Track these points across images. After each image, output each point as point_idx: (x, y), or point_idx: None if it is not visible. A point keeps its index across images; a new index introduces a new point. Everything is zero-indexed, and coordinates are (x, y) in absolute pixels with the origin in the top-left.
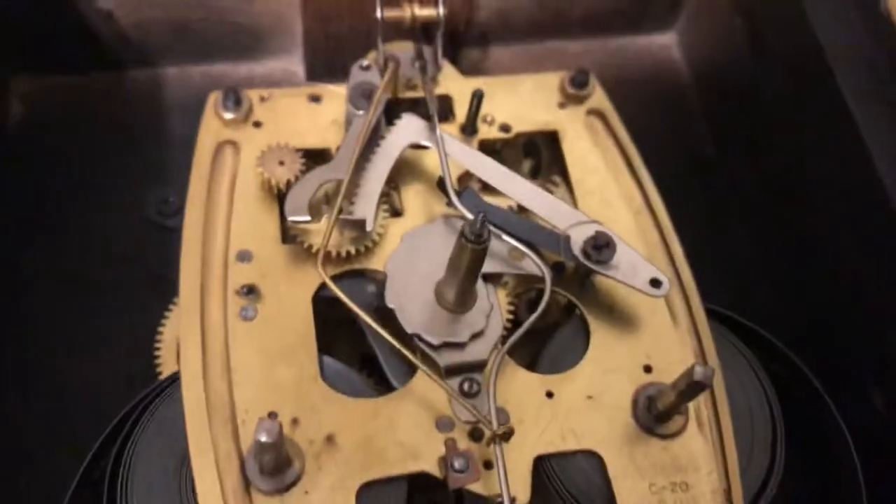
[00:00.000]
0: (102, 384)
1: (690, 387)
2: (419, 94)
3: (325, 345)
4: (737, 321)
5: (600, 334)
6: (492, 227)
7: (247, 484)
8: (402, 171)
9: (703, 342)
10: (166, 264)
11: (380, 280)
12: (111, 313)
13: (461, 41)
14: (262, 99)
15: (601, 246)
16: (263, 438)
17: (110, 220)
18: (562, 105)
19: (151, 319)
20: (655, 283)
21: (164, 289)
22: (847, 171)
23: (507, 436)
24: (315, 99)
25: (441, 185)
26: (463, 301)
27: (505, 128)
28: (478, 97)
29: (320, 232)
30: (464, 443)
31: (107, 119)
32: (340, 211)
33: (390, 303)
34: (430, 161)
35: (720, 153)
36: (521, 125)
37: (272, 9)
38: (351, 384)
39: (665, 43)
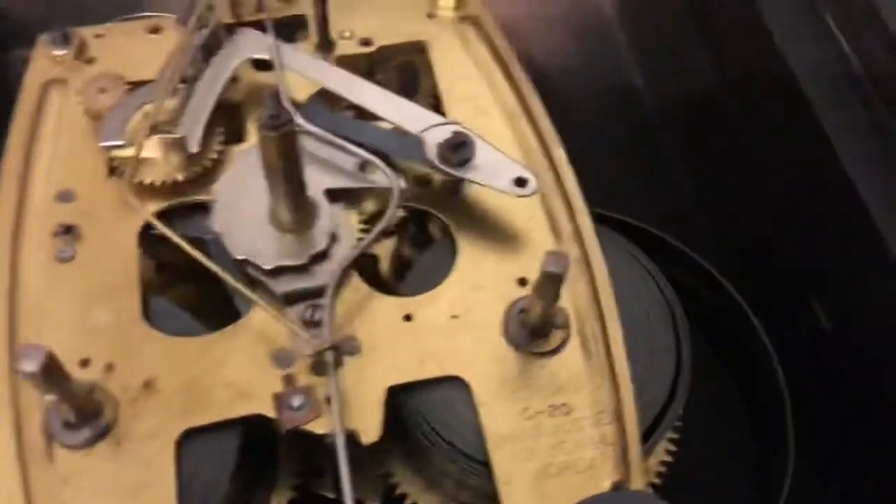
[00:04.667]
0: None
1: (545, 279)
2: (272, 15)
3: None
4: (635, 227)
5: (469, 250)
6: (335, 138)
7: (50, 439)
8: (249, 96)
9: (588, 249)
10: None
11: None
12: None
13: None
14: (98, 36)
15: (457, 146)
16: (27, 368)
17: None
18: (430, 15)
19: None
20: (521, 182)
21: None
22: (769, 85)
23: (339, 350)
24: (154, 31)
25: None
26: (296, 216)
27: (366, 42)
28: (320, 1)
29: (147, 162)
30: (306, 379)
31: None
32: (153, 130)
33: (216, 227)
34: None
35: (648, 82)
36: (384, 38)
37: None
38: (181, 324)
39: None
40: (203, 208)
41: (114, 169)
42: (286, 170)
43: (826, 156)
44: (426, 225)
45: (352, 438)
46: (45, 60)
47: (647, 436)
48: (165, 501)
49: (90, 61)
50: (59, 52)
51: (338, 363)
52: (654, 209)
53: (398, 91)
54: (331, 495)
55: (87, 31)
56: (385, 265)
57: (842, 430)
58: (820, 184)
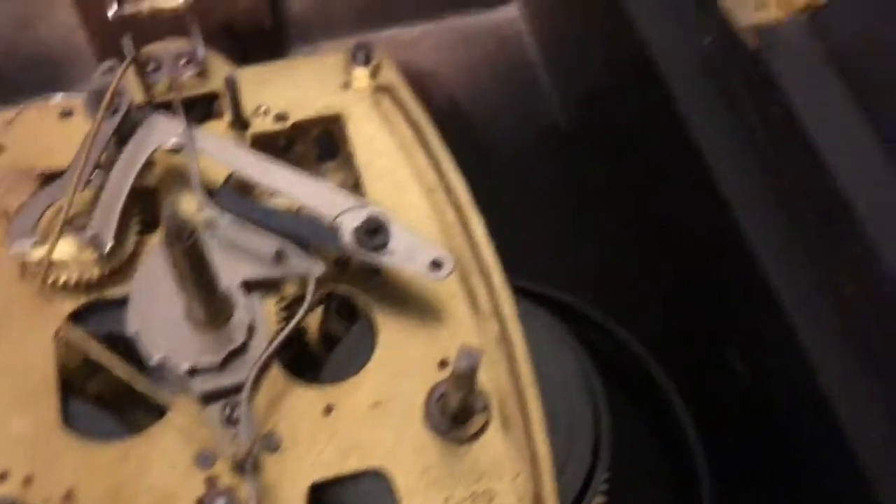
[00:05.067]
0: None
1: (458, 376)
2: (186, 94)
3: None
4: (554, 299)
5: (390, 331)
6: (250, 227)
7: None
8: (165, 179)
9: (508, 325)
10: None
11: None
12: None
13: (281, 39)
14: (8, 122)
15: (373, 230)
16: None
17: None
18: (346, 85)
19: None
20: (437, 264)
21: None
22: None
23: (256, 453)
24: (67, 113)
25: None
26: (211, 315)
27: (281, 117)
28: (230, 85)
29: (61, 262)
30: (229, 479)
31: None
32: (63, 230)
33: (131, 328)
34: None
35: (574, 126)
36: (299, 113)
37: (58, 33)
38: (103, 427)
39: (508, 17)
40: (116, 304)
41: (26, 267)
42: (196, 277)
43: (723, 216)
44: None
45: None
46: None
47: None
48: None
49: None
50: None
51: (256, 466)
52: (579, 256)
53: (318, 159)
54: None
55: None
56: (312, 338)
57: (762, 477)
58: (720, 246)
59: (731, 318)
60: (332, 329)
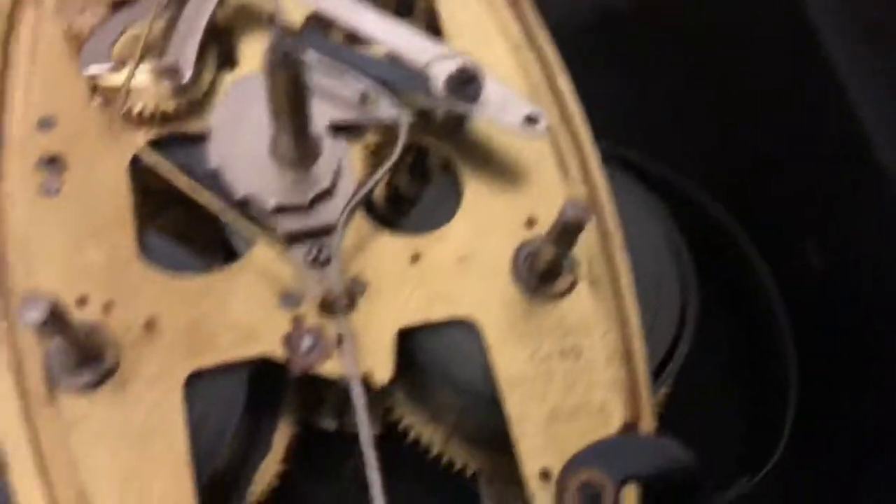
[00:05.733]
0: None
1: (564, 228)
2: None
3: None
4: (643, 168)
5: (476, 187)
6: (344, 67)
7: (52, 383)
8: (241, 18)
9: (597, 188)
10: None
11: None
12: None
13: None
14: None
15: (466, 80)
16: (30, 318)
17: None
18: None
19: None
20: (531, 119)
21: None
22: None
23: (342, 298)
24: None
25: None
26: (300, 151)
27: None
28: None
29: (135, 90)
30: (314, 320)
31: None
32: (143, 56)
33: (213, 162)
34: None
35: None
36: None
37: None
38: (179, 262)
39: None
40: (190, 139)
41: (95, 89)
42: (294, 106)
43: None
44: (421, 156)
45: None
46: None
47: (655, 377)
48: (176, 446)
49: None
50: None
51: (349, 305)
52: (644, 132)
53: (393, 12)
54: (331, 427)
55: None
56: (379, 194)
57: (844, 372)
58: (819, 106)
59: (817, 199)
60: (400, 186)
